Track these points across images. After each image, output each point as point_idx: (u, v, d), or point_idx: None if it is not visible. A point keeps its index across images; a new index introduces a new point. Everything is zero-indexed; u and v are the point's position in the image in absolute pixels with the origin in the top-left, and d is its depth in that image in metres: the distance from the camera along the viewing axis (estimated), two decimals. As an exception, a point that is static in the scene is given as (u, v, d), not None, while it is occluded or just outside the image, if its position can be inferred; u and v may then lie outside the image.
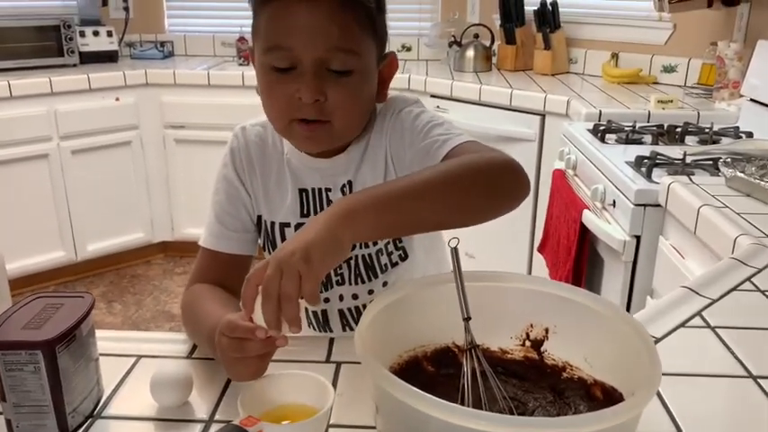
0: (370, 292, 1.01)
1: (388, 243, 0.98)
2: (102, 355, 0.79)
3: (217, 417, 0.75)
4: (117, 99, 3.14)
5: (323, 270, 0.68)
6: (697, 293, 1.03)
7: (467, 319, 0.75)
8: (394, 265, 0.99)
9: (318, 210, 0.96)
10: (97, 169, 3.14)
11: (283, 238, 0.97)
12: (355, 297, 1.01)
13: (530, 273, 2.53)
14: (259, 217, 1.00)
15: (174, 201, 3.39)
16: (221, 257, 0.99)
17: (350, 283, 1.00)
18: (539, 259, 2.32)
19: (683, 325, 0.94)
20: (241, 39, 3.57)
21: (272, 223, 0.98)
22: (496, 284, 0.81)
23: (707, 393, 0.80)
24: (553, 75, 3.04)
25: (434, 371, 0.79)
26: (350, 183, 0.96)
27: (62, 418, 0.70)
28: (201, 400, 0.77)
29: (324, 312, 1.03)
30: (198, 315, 0.88)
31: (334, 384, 0.80)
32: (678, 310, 0.97)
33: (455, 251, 0.79)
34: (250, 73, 3.21)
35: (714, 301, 1.00)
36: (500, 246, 2.41)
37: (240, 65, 3.54)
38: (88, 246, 3.19)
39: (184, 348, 0.89)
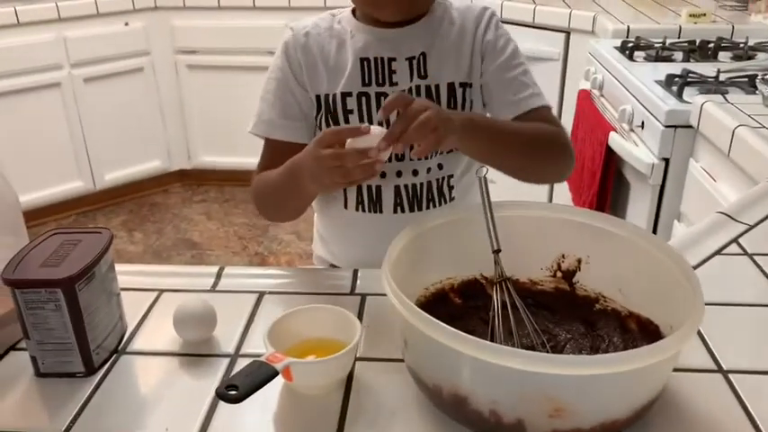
0: (429, 170, 1.00)
1: None
2: (123, 289, 0.78)
3: (242, 351, 0.74)
4: (126, 24, 3.05)
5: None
6: (733, 219, 0.99)
7: (496, 251, 0.72)
8: (449, 151, 1.01)
9: (380, 78, 0.97)
10: (110, 97, 3.09)
11: (345, 108, 0.97)
12: (415, 173, 1.00)
13: (551, 198, 2.48)
14: (317, 97, 0.99)
15: (189, 128, 3.35)
16: (279, 148, 1.00)
17: (411, 158, 0.98)
18: (561, 186, 2.28)
19: (718, 252, 0.91)
20: (250, -43, 3.43)
21: (334, 95, 0.98)
22: (526, 213, 0.78)
23: (745, 324, 0.77)
24: (578, -11, 2.89)
25: (462, 303, 0.78)
26: (424, 54, 0.98)
27: (87, 354, 0.69)
28: (226, 334, 0.76)
29: (378, 188, 1.00)
30: (271, 175, 0.96)
31: (360, 317, 0.79)
32: (713, 237, 0.94)
33: (484, 180, 0.76)
34: (261, -8, 3.10)
35: (751, 227, 0.97)
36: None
37: (251, -15, 3.41)
38: (106, 175, 3.18)
39: (208, 282, 0.87)
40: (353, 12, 1.02)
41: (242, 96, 3.20)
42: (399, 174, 0.99)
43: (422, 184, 1.00)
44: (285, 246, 2.94)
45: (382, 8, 0.95)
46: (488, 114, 1.03)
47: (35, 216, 2.94)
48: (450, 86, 0.97)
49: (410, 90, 0.97)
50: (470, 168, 1.05)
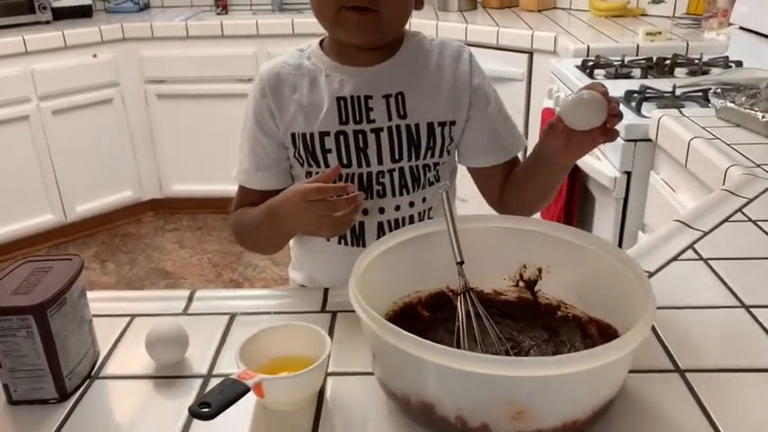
0: (411, 204, 1.01)
1: (435, 160, 1.01)
2: (95, 315, 0.78)
3: (215, 371, 0.75)
4: (94, 56, 3.06)
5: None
6: (689, 226, 1.03)
7: (460, 263, 0.75)
8: (430, 184, 1.02)
9: (357, 116, 0.97)
10: (80, 129, 3.08)
11: (323, 147, 0.97)
12: (397, 209, 1.01)
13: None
14: (292, 135, 0.99)
15: (160, 158, 3.34)
16: (254, 193, 1.03)
17: (393, 195, 1.00)
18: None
19: (675, 258, 0.94)
20: (218, -13, 3.47)
21: (312, 134, 0.98)
22: (488, 225, 0.81)
23: (701, 325, 0.80)
24: (539, 11, 2.98)
25: (430, 315, 0.80)
26: (401, 94, 0.98)
27: (59, 380, 0.70)
28: (199, 355, 0.77)
29: (361, 224, 1.02)
30: (250, 214, 1.00)
31: (331, 333, 0.80)
32: (670, 244, 0.97)
33: (446, 194, 0.79)
34: (229, 22, 3.14)
35: (706, 234, 1.01)
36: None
37: (218, 14, 3.45)
38: (77, 207, 3.16)
39: (179, 305, 0.88)
40: (321, 44, 1.02)
41: (212, 124, 3.24)
42: (382, 210, 1.01)
43: (404, 218, 1.02)
44: (260, 271, 2.94)
45: (352, 32, 0.93)
46: (463, 158, 1.06)
47: (6, 251, 2.91)
48: (430, 126, 0.98)
49: (389, 130, 0.97)
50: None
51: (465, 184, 1.10)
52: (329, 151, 0.97)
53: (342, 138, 0.97)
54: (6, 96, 2.85)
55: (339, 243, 1.03)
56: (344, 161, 0.97)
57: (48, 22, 3.12)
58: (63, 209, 3.12)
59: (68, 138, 3.05)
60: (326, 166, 0.98)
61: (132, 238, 3.30)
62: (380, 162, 0.98)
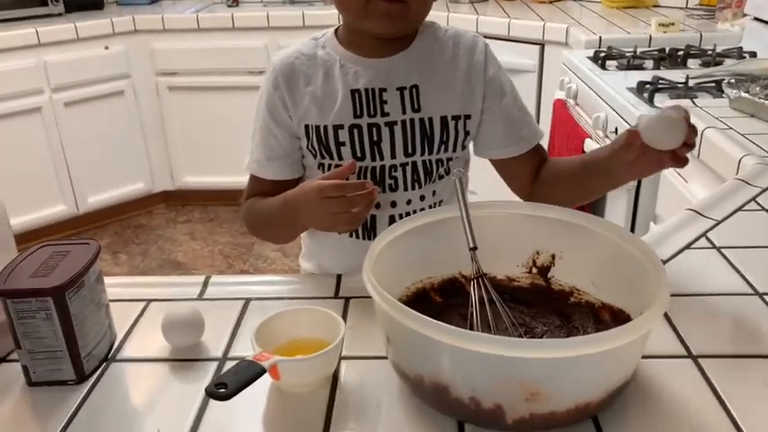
0: (422, 198, 1.01)
1: (449, 155, 1.00)
2: (111, 300, 0.79)
3: (230, 355, 0.76)
4: (106, 48, 3.08)
5: None
6: (702, 215, 1.02)
7: (473, 249, 0.75)
8: (440, 177, 1.02)
9: (371, 110, 0.97)
10: (92, 120, 3.10)
11: (336, 140, 0.97)
12: (408, 203, 1.01)
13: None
14: (306, 126, 0.99)
15: (171, 150, 3.36)
16: (266, 183, 1.04)
17: (405, 189, 1.00)
18: (541, 191, 2.32)
19: (688, 246, 0.94)
20: (229, -21, 3.48)
21: (325, 127, 0.98)
22: (502, 212, 0.81)
23: (714, 312, 0.81)
24: (551, 2, 2.97)
25: (442, 301, 0.80)
26: (416, 87, 0.97)
27: (77, 362, 0.71)
28: (214, 339, 0.78)
29: (372, 217, 1.02)
30: (264, 204, 1.01)
31: (344, 319, 0.81)
32: (683, 232, 0.97)
33: (459, 181, 0.79)
34: (240, 14, 3.14)
35: (719, 222, 1.00)
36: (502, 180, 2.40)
37: (229, 6, 3.45)
38: (89, 198, 3.18)
39: (194, 291, 0.89)
40: (336, 33, 1.01)
41: (223, 116, 3.25)
42: (394, 204, 1.01)
43: (414, 211, 1.01)
44: (270, 263, 2.95)
45: (381, 22, 0.91)
46: (480, 150, 1.05)
47: (19, 241, 2.91)
48: (443, 120, 0.97)
49: (403, 123, 0.96)
50: (454, 192, 1.06)
51: (476, 176, 1.10)
52: (343, 144, 0.97)
53: (356, 131, 0.96)
54: (19, 88, 2.87)
55: (351, 236, 1.04)
56: (358, 154, 0.97)
57: (60, 15, 3.14)
58: (75, 200, 3.14)
59: (81, 129, 3.07)
60: (340, 158, 0.98)
61: (144, 229, 3.32)
62: (393, 156, 0.98)
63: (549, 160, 1.06)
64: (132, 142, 3.27)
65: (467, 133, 1.00)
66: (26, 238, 2.98)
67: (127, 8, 3.35)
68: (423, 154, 0.99)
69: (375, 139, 0.97)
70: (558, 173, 1.03)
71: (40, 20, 3.03)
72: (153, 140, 3.32)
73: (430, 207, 1.02)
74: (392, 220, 1.01)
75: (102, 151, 3.17)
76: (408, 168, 0.99)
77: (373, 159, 0.98)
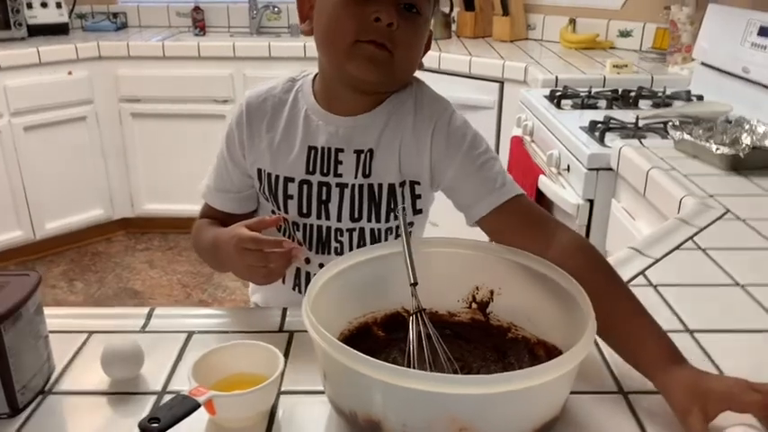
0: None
1: (398, 222, 0.95)
2: (52, 332, 0.79)
3: (169, 388, 0.75)
4: (69, 73, 3.06)
5: None
6: (641, 253, 1.06)
7: (413, 284, 0.77)
8: (418, 211, 0.98)
9: (325, 169, 0.95)
10: (52, 146, 3.07)
11: (285, 192, 0.96)
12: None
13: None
14: (259, 170, 0.98)
15: (132, 176, 3.33)
16: (217, 211, 1.05)
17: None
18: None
19: (627, 283, 0.97)
20: (196, 8, 3.50)
21: (277, 176, 0.97)
22: (445, 249, 0.83)
23: (646, 348, 0.83)
24: (512, 41, 3.05)
25: (385, 336, 0.81)
26: (371, 151, 0.94)
27: (11, 394, 0.70)
28: (155, 372, 0.78)
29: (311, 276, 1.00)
30: (204, 234, 1.01)
31: (287, 353, 0.82)
32: (622, 270, 1.00)
33: (403, 216, 0.81)
34: (206, 44, 3.16)
35: (657, 260, 1.04)
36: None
37: (196, 35, 3.47)
38: (46, 224, 3.13)
39: (138, 323, 0.89)
40: (314, 80, 0.98)
41: (186, 144, 3.25)
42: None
43: None
44: (230, 293, 2.93)
45: (364, 66, 0.87)
46: (468, 218, 0.93)
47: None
48: (391, 187, 0.94)
49: (353, 187, 0.94)
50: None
51: (437, 206, 1.09)
52: (291, 197, 0.96)
53: (306, 187, 0.95)
54: (-22, 112, 2.83)
55: (293, 290, 1.03)
56: (304, 211, 0.96)
57: (23, 39, 3.12)
58: (32, 225, 3.08)
59: (40, 154, 3.03)
60: (286, 211, 0.97)
61: (102, 256, 3.27)
62: (339, 219, 0.96)
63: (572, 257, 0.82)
64: (93, 168, 3.23)
65: (417, 197, 0.95)
66: (-22, 264, 2.92)
67: (92, 34, 3.35)
68: (370, 221, 0.96)
69: (324, 198, 0.95)
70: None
71: (2, 43, 3.01)
72: (114, 167, 3.29)
73: None
74: None
75: (61, 177, 3.12)
76: (355, 234, 0.97)
77: (319, 218, 0.96)
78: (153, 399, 0.74)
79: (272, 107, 0.98)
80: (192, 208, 1.10)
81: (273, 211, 1.00)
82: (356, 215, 0.96)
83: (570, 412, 0.69)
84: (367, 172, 0.94)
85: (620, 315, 0.76)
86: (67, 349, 0.82)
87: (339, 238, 0.97)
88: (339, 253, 0.98)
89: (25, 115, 2.95)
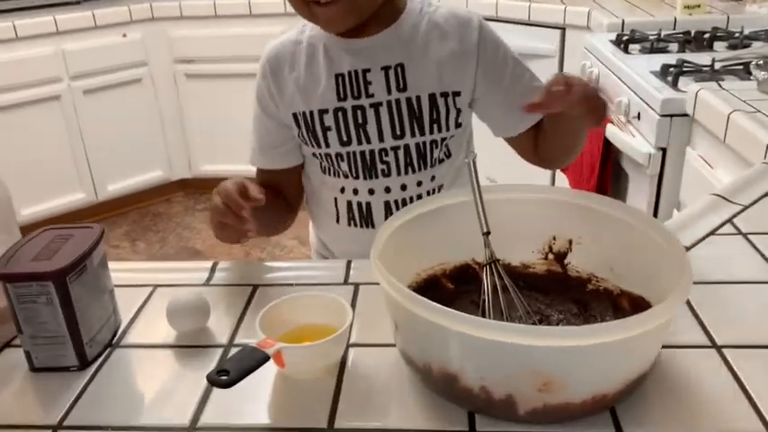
0: (419, 183, 0.99)
1: (443, 135, 0.97)
2: (117, 286, 0.78)
3: (236, 341, 0.74)
4: (124, 35, 3.07)
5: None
6: (727, 200, 0.98)
7: (486, 234, 0.72)
8: (440, 161, 0.99)
9: (355, 91, 0.95)
10: (110, 108, 3.11)
11: (323, 125, 0.96)
12: (404, 188, 0.99)
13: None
14: (294, 115, 0.98)
15: (189, 138, 3.36)
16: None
17: (398, 173, 0.98)
18: (560, 179, 2.28)
19: (712, 233, 0.90)
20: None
21: (311, 112, 0.97)
22: (516, 196, 0.78)
23: (739, 300, 0.77)
24: (572, -14, 2.90)
25: (454, 288, 0.78)
26: (401, 65, 0.94)
27: (80, 347, 0.69)
28: (220, 325, 0.76)
29: (368, 204, 1.00)
30: None
31: (353, 305, 0.79)
32: (708, 218, 0.94)
33: (473, 164, 0.76)
34: (256, 0, 3.11)
35: (745, 208, 0.96)
36: (520, 168, 2.36)
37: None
38: (108, 186, 3.20)
39: (202, 276, 0.87)
40: None
41: (241, 104, 3.21)
42: (388, 189, 0.99)
43: (411, 197, 1.00)
44: (288, 251, 2.94)
45: (325, 24, 0.92)
46: (494, 130, 1.03)
47: (36, 229, 2.95)
48: (432, 97, 0.95)
49: (389, 104, 0.94)
50: (459, 176, 1.03)
51: (493, 161, 1.08)
52: (329, 129, 0.96)
53: (340, 114, 0.95)
54: (38, 76, 2.87)
55: (348, 225, 1.02)
56: (344, 138, 0.96)
57: (78, 2, 3.14)
58: (94, 188, 3.16)
59: (99, 117, 3.08)
60: (327, 145, 0.96)
61: (162, 217, 3.33)
62: (381, 139, 0.96)
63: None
64: (150, 130, 3.27)
65: (458, 111, 0.97)
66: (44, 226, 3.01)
67: (145, -5, 3.35)
68: (413, 136, 0.96)
69: (360, 121, 0.95)
70: (544, 127, 1.00)
71: (58, 8, 3.03)
72: (170, 128, 3.32)
73: (428, 193, 1.00)
74: (387, 206, 1.00)
75: (120, 139, 3.17)
76: (401, 152, 0.96)
77: (360, 143, 0.96)
78: (220, 352, 0.72)
79: (290, 51, 0.99)
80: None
81: (315, 154, 1.00)
82: (398, 132, 0.95)
83: (660, 367, 0.64)
84: (401, 86, 0.94)
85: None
86: (133, 303, 0.82)
87: (384, 158, 0.97)
88: (386, 174, 0.97)
89: (83, 79, 2.99)
